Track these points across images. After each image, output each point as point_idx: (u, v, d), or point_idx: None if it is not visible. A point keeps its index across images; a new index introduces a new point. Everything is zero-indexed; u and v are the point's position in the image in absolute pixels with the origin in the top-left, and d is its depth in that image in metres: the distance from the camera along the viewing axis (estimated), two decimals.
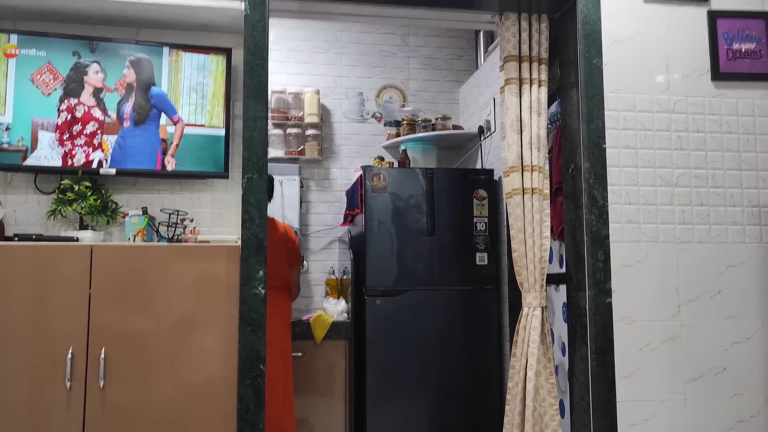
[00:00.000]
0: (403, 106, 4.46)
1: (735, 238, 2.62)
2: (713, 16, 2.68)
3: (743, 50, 2.68)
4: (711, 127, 2.66)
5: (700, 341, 2.56)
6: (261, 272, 2.35)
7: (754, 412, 2.56)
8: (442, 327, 3.60)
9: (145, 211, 2.52)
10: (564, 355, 2.87)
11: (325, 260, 4.23)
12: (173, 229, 2.51)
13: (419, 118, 4.24)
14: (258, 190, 2.40)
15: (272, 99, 4.22)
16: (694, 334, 2.56)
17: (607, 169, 2.58)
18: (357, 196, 3.78)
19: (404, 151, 4.11)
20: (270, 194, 3.50)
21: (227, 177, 2.59)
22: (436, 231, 3.64)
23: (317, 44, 4.43)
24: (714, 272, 2.60)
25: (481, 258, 3.66)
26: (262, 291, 2.35)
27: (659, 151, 2.63)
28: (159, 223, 2.53)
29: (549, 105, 2.85)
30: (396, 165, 4.09)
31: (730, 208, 2.63)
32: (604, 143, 2.58)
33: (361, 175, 3.70)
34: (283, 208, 4.01)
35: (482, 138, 3.97)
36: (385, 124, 4.42)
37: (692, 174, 2.63)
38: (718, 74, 2.66)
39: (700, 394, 2.54)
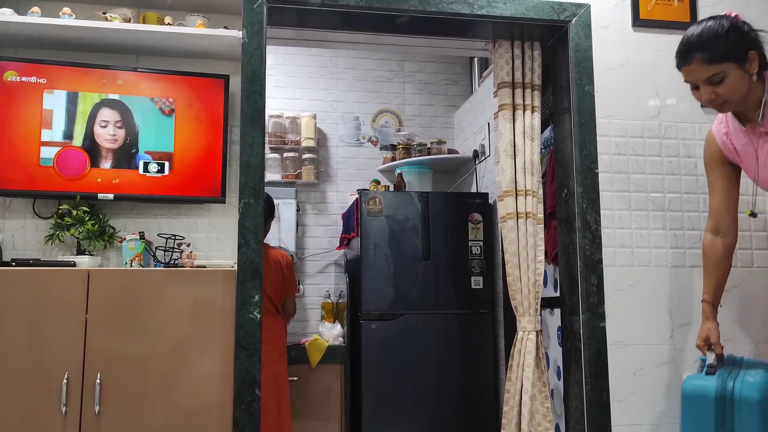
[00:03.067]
0: (399, 130, 4.51)
1: None
2: None
3: None
4: (701, 152, 2.69)
5: (693, 365, 2.57)
6: (257, 297, 2.36)
7: None
8: (438, 351, 3.60)
9: (142, 236, 2.54)
10: (559, 379, 2.87)
11: (321, 284, 4.24)
12: (170, 253, 2.53)
13: (415, 143, 4.29)
14: (254, 214, 2.42)
15: (269, 123, 4.27)
16: (687, 357, 2.57)
17: (600, 193, 2.61)
18: (353, 220, 3.80)
19: (400, 174, 4.15)
20: (272, 213, 3.52)
21: (224, 202, 2.61)
22: (431, 254, 3.66)
23: (314, 70, 4.48)
24: None
25: (477, 282, 3.68)
26: (258, 316, 2.36)
27: (651, 176, 2.66)
28: (156, 248, 2.55)
29: (542, 130, 2.89)
30: (392, 189, 4.12)
31: None
32: (597, 168, 2.62)
33: (357, 199, 3.73)
34: (279, 231, 4.03)
35: (477, 162, 4.01)
36: (381, 148, 4.46)
37: (684, 198, 2.67)
38: None
39: None
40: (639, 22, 2.72)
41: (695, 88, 2.00)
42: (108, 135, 2.53)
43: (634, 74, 2.71)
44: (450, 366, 3.59)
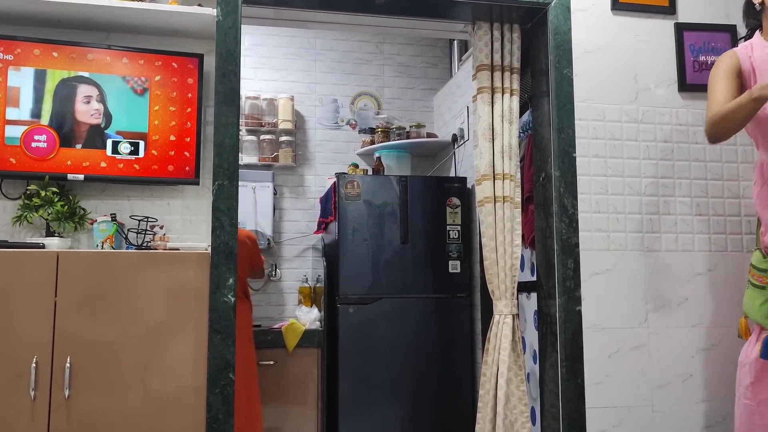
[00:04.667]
0: (378, 113, 4.47)
1: (701, 247, 2.66)
2: (680, 29, 2.73)
3: (709, 62, 2.73)
4: (678, 137, 2.71)
5: (667, 348, 2.59)
6: (231, 280, 2.33)
7: (720, 419, 2.59)
8: (415, 335, 3.60)
9: (113, 218, 2.49)
10: (535, 362, 2.89)
11: (299, 268, 4.21)
12: (142, 236, 2.48)
13: (394, 126, 4.25)
14: (228, 196, 2.38)
15: (246, 105, 4.20)
16: (661, 341, 2.59)
17: (577, 177, 2.61)
18: (331, 204, 3.77)
19: (378, 158, 4.12)
20: None
21: (198, 183, 2.56)
22: (409, 239, 3.65)
23: (292, 51, 4.42)
24: (681, 280, 2.64)
25: (454, 266, 3.67)
26: (232, 299, 2.33)
27: (628, 161, 2.67)
28: (128, 230, 2.50)
29: (521, 114, 2.88)
30: (370, 172, 4.09)
31: (696, 217, 2.67)
32: (575, 152, 2.61)
33: (334, 183, 3.69)
34: (256, 215, 3.99)
35: (456, 146, 3.99)
36: (359, 132, 4.42)
37: (660, 183, 2.68)
38: (684, 85, 2.71)
39: (668, 400, 2.57)
40: (618, 5, 2.71)
41: None
42: (93, 110, 2.48)
43: (612, 58, 2.71)
44: (427, 350, 3.59)
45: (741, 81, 2.20)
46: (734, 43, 2.75)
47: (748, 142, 2.73)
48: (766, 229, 2.17)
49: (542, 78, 2.73)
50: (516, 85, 2.81)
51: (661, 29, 2.74)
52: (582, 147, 2.63)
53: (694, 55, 2.73)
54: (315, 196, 4.29)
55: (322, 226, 4.05)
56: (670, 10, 2.74)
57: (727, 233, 2.69)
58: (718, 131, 2.12)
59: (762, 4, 2.21)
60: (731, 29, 2.77)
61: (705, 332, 2.63)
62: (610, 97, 2.68)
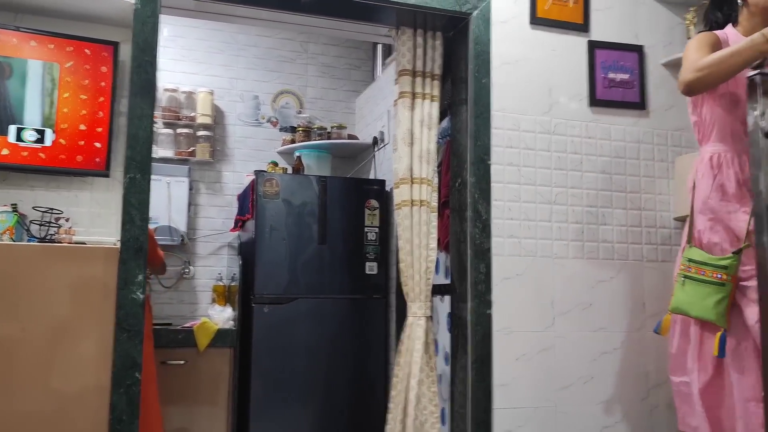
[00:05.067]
0: (300, 112, 4.44)
1: (605, 255, 2.80)
2: (593, 47, 2.86)
3: (618, 80, 2.87)
4: (587, 150, 2.83)
5: (571, 351, 2.71)
6: (140, 276, 2.26)
7: (619, 418, 2.73)
8: (330, 336, 3.60)
9: (14, 208, 2.36)
10: (447, 364, 2.95)
11: (213, 266, 4.13)
12: (46, 228, 2.36)
13: (315, 126, 4.24)
14: (140, 190, 2.30)
15: (164, 97, 4.08)
16: (566, 344, 2.70)
17: (492, 184, 2.68)
18: (248, 201, 3.72)
19: (299, 157, 4.09)
20: None
21: (108, 176, 2.47)
22: (327, 239, 3.64)
23: (213, 44, 4.32)
24: (586, 286, 2.76)
25: (371, 267, 3.70)
26: (141, 296, 2.25)
27: (540, 170, 2.77)
28: (30, 222, 2.38)
29: (441, 120, 2.93)
30: (290, 171, 4.06)
31: (601, 226, 2.80)
32: (490, 159, 2.69)
33: (253, 180, 3.64)
34: (170, 210, 3.88)
35: (376, 149, 4.02)
36: (280, 130, 4.38)
37: (569, 193, 2.79)
38: (595, 100, 2.84)
39: (570, 401, 2.68)
40: (536, 20, 2.81)
41: None
42: None
43: (529, 70, 2.80)
44: (342, 351, 3.60)
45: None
46: (642, 62, 2.90)
47: (650, 156, 2.90)
48: (712, 224, 2.16)
49: (462, 86, 2.79)
50: (436, 92, 2.87)
51: (575, 46, 2.86)
52: (497, 155, 2.71)
53: (604, 72, 2.86)
54: (232, 193, 4.22)
55: (239, 223, 3.98)
56: (584, 27, 2.87)
57: (629, 243, 2.83)
58: (704, 78, 2.04)
59: (745, 1, 2.21)
60: (639, 49, 2.92)
61: (606, 336, 2.76)
62: (525, 108, 2.77)
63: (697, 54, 2.10)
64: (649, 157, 2.90)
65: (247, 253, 3.77)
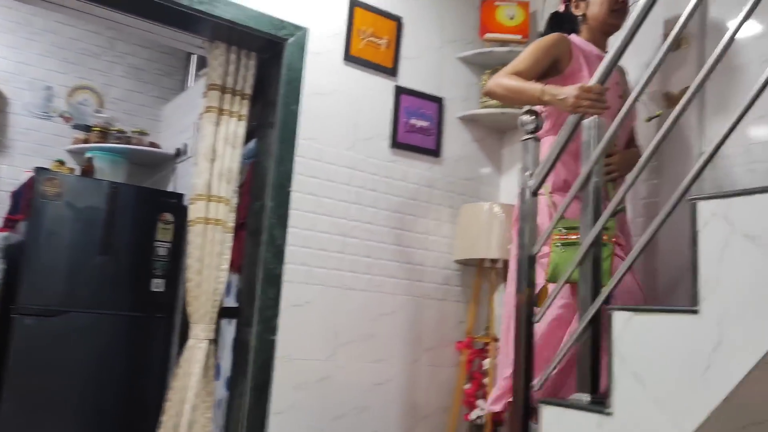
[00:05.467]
0: (99, 111, 4.14)
1: (389, 289, 2.91)
2: (399, 92, 3.01)
3: (418, 126, 3.05)
4: (385, 189, 2.95)
5: (348, 382, 2.76)
6: None
7: None
8: (104, 355, 3.34)
9: None
10: (227, 389, 2.86)
11: None
12: None
13: (114, 128, 3.97)
14: None
15: None
16: (344, 374, 2.76)
17: (290, 211, 2.69)
18: (23, 200, 3.35)
19: (90, 159, 3.80)
20: None
21: None
22: (111, 250, 3.40)
23: (2, 23, 3.89)
24: (370, 318, 2.84)
25: (158, 284, 3.51)
26: None
27: (339, 203, 2.82)
28: None
29: (247, 141, 2.89)
30: (79, 173, 3.74)
31: (389, 262, 2.92)
32: (291, 186, 2.70)
33: (32, 177, 3.30)
34: None
35: (178, 161, 3.86)
36: (73, 127, 4.04)
37: (363, 227, 2.87)
38: (396, 143, 2.98)
39: (344, 431, 2.73)
40: (350, 57, 2.90)
41: None
42: None
43: (338, 105, 2.87)
44: (116, 372, 3.35)
45: (553, 65, 2.22)
46: (441, 112, 3.11)
47: (440, 201, 3.09)
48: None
49: (271, 109, 2.78)
50: (245, 111, 2.83)
51: (383, 88, 2.99)
52: (299, 183, 2.72)
53: (407, 117, 3.02)
54: (6, 189, 3.78)
55: (10, 223, 3.57)
56: (393, 72, 3.01)
57: (413, 279, 2.98)
58: (499, 96, 2.17)
59: (584, 15, 2.33)
60: (440, 101, 3.13)
61: (383, 368, 2.86)
62: (330, 140, 2.83)
63: (523, 63, 2.18)
64: (438, 201, 3.09)
65: (14, 256, 3.39)
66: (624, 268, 1.61)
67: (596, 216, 1.80)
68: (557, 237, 2.09)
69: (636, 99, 1.70)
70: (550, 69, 2.24)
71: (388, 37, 3.00)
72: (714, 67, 1.44)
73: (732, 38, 1.42)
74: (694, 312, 1.36)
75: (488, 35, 3.16)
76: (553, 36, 2.27)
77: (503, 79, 2.16)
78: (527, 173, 2.00)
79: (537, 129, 2.02)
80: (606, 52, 2.22)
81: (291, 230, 2.69)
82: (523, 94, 2.11)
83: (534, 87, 2.08)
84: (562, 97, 1.96)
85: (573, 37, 2.32)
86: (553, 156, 1.94)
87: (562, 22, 2.40)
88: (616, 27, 2.31)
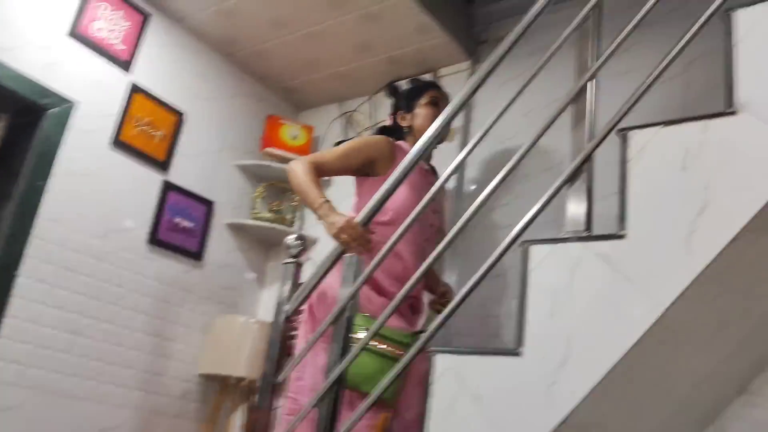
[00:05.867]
0: None
1: (117, 401, 2.59)
2: (167, 187, 2.85)
3: (182, 226, 2.89)
4: (133, 286, 2.70)
5: None
6: None
7: None
8: None
9: None
10: None
11: None
12: None
13: None
14: None
15: None
16: None
17: (11, 298, 2.32)
18: None
19: None
20: None
21: None
22: None
23: None
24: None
25: None
26: None
27: (75, 295, 2.51)
28: None
29: None
30: None
31: (123, 369, 2.63)
32: (17, 270, 2.34)
33: None
34: None
35: None
36: None
37: (100, 327, 2.57)
38: (154, 239, 2.78)
39: None
40: (118, 142, 2.70)
41: (435, 104, 2.29)
42: None
43: (96, 189, 2.62)
44: None
45: (369, 165, 2.18)
46: (209, 216, 3.00)
47: (193, 309, 2.90)
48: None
49: (12, 180, 2.44)
50: None
51: (151, 181, 2.81)
52: (29, 266, 2.38)
53: (171, 215, 2.86)
54: None
55: None
56: (165, 166, 2.86)
57: (148, 392, 2.71)
58: (290, 179, 2.10)
59: (410, 127, 2.32)
60: (210, 204, 3.03)
61: None
62: (79, 226, 2.55)
63: (330, 155, 2.17)
64: (192, 308, 2.91)
65: None
66: None
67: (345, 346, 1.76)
68: (356, 337, 1.91)
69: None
70: (366, 168, 2.19)
71: (166, 130, 2.87)
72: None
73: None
74: None
75: (269, 149, 3.18)
76: (376, 137, 2.28)
77: (303, 168, 2.10)
78: (284, 296, 1.96)
79: (300, 254, 2.00)
80: (431, 164, 2.32)
81: (7, 321, 2.31)
82: (305, 195, 2.07)
83: (315, 196, 2.04)
84: (331, 221, 1.94)
85: (402, 143, 2.31)
86: (319, 274, 1.91)
87: (391, 133, 2.40)
88: (441, 140, 2.24)
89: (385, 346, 1.96)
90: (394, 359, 1.90)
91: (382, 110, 3.19)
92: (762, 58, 1.32)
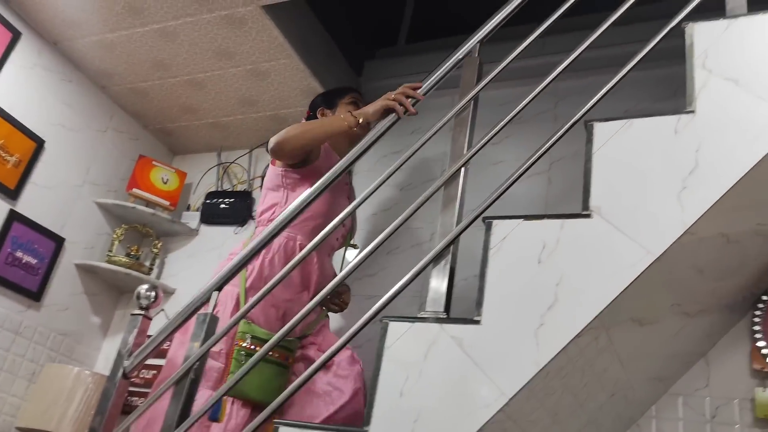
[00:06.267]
0: None
1: None
2: (13, 217, 2.60)
3: (24, 261, 2.64)
4: None
5: None
6: None
7: None
8: None
9: None
10: None
11: None
12: None
13: None
14: None
15: None
16: None
17: None
18: None
19: None
20: None
21: None
22: None
23: None
24: None
25: None
26: None
27: None
28: None
29: None
30: None
31: None
32: None
33: None
34: None
35: None
36: None
37: None
38: None
39: None
40: None
41: (356, 105, 2.23)
42: None
43: None
44: None
45: (312, 152, 2.14)
46: (57, 254, 2.77)
47: (22, 353, 2.63)
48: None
49: None
50: None
51: None
52: None
53: (13, 248, 2.60)
54: None
55: None
56: (14, 195, 2.63)
57: None
58: (292, 137, 2.02)
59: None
60: (60, 241, 2.79)
61: None
62: None
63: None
64: (21, 352, 2.63)
65: None
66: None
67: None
68: (243, 344, 1.96)
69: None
70: (308, 156, 2.16)
71: (21, 155, 2.65)
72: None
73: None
74: None
75: (136, 191, 3.02)
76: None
77: (289, 129, 2.05)
78: (126, 349, 1.81)
79: (151, 306, 1.88)
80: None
81: None
82: (323, 128, 2.06)
83: (333, 118, 2.13)
84: (371, 108, 1.95)
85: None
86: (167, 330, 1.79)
87: None
88: (360, 136, 2.06)
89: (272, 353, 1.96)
90: (282, 365, 2.01)
91: (261, 164, 3.14)
92: (615, 167, 1.44)
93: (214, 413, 1.92)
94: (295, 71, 2.73)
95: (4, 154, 2.59)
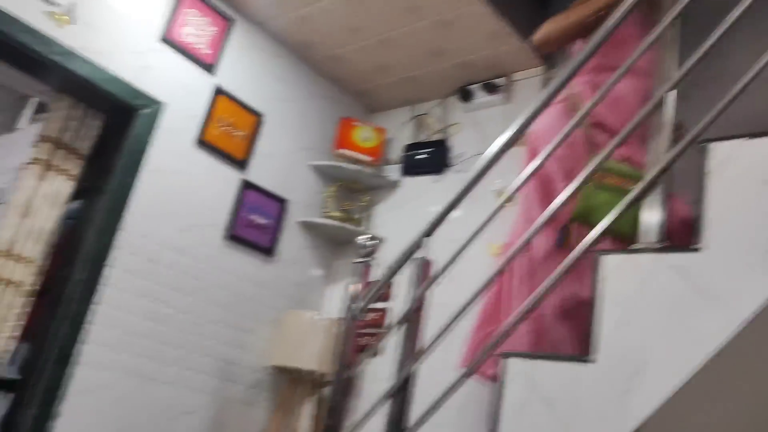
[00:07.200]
0: None
1: (196, 386, 2.73)
2: (245, 186, 2.98)
3: (256, 223, 3.01)
4: (212, 280, 2.83)
5: None
6: None
7: None
8: None
9: None
10: None
11: None
12: None
13: None
14: None
15: None
16: None
17: (101, 287, 2.48)
18: None
19: None
20: None
21: None
22: None
23: None
24: (168, 417, 2.62)
25: None
26: None
27: (158, 287, 2.65)
28: None
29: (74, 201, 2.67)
30: None
31: (201, 357, 2.76)
32: (106, 261, 2.50)
33: None
34: None
35: None
36: None
37: (180, 317, 2.71)
38: (231, 234, 2.91)
39: None
40: (202, 141, 2.84)
41: None
42: None
43: (179, 185, 2.76)
44: None
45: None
46: (282, 214, 3.11)
47: (266, 303, 3.02)
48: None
49: (106, 175, 2.62)
50: (75, 172, 2.64)
51: (230, 179, 2.94)
52: (117, 258, 2.53)
53: (247, 213, 2.98)
54: None
55: None
56: (243, 165, 2.99)
57: (224, 379, 2.83)
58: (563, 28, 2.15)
59: None
60: (284, 202, 3.14)
61: None
62: (163, 220, 2.70)
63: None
64: (264, 301, 3.02)
65: None
66: None
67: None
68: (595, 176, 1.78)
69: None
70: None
71: (247, 130, 3.00)
72: None
73: None
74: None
75: (341, 151, 3.27)
76: None
77: (546, 25, 2.19)
78: (353, 295, 2.02)
79: (371, 253, 2.07)
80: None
81: (99, 308, 2.47)
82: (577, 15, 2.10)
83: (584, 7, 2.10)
84: None
85: None
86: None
87: None
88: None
89: (613, 182, 1.82)
90: (622, 191, 1.70)
91: (453, 114, 3.23)
92: None
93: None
94: (480, 16, 2.75)
95: (233, 130, 2.94)
